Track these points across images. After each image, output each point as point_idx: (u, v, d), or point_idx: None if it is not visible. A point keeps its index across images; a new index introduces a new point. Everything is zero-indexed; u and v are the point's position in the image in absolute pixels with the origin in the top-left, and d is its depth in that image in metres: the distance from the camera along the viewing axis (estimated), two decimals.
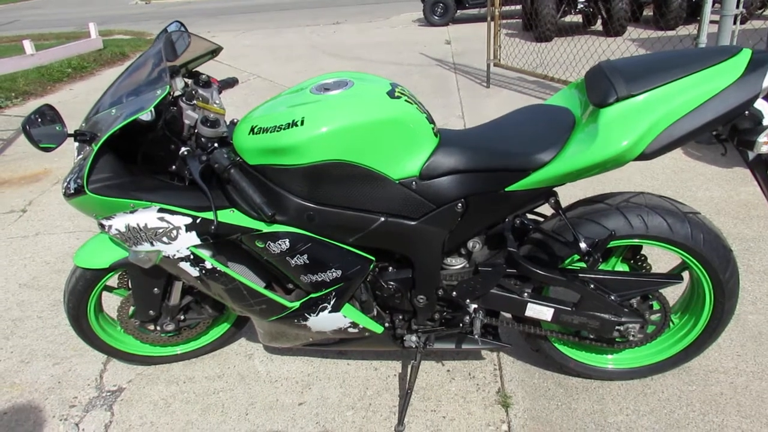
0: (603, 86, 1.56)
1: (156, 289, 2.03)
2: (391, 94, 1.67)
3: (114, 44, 10.95)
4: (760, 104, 1.53)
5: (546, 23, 8.16)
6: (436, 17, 10.91)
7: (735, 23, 3.91)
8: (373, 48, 9.13)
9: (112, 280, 2.17)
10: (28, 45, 9.00)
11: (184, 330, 2.26)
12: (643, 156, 1.53)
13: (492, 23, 6.06)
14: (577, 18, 9.33)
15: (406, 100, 1.67)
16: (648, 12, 9.07)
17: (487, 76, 6.26)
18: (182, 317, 2.18)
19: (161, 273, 1.98)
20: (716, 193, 3.43)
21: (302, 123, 1.57)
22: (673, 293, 2.20)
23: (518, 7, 9.88)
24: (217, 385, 2.26)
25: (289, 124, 1.59)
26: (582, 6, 8.56)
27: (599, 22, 8.81)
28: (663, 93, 1.50)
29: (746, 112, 1.53)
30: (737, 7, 3.83)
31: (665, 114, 1.49)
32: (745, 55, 1.52)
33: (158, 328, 2.15)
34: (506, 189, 1.68)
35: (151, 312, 2.09)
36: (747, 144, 1.54)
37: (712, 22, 3.99)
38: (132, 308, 2.15)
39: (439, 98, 5.95)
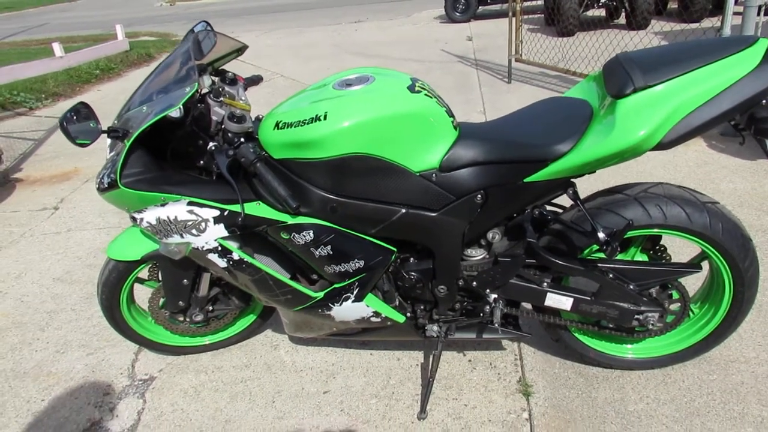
0: (620, 78, 1.58)
1: (185, 280, 2.10)
2: (411, 88, 1.71)
3: (140, 45, 11.16)
4: None
5: (568, 18, 8.12)
6: (458, 14, 10.90)
7: (759, 14, 3.86)
8: (394, 45, 9.16)
9: (143, 273, 2.25)
10: (57, 47, 9.22)
11: (212, 321, 2.33)
12: (661, 146, 1.55)
13: (513, 18, 6.06)
14: (600, 12, 9.25)
15: (426, 95, 1.72)
16: (672, 5, 8.96)
17: (509, 72, 6.26)
18: (210, 308, 2.25)
19: (190, 265, 2.05)
20: (740, 185, 3.41)
21: (325, 117, 1.63)
22: (693, 283, 2.21)
23: (540, 2, 9.85)
24: (245, 374, 2.33)
25: (312, 118, 1.64)
26: (605, 0, 8.49)
27: (623, 15, 8.73)
28: (680, 83, 1.52)
29: (764, 102, 1.54)
30: None
31: (682, 104, 1.51)
32: (762, 45, 1.54)
33: (187, 318, 2.23)
34: (525, 180, 1.71)
35: (180, 303, 2.16)
36: (764, 132, 1.55)
37: (736, 13, 3.95)
38: (162, 299, 2.23)
39: (461, 94, 5.97)
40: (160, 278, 2.16)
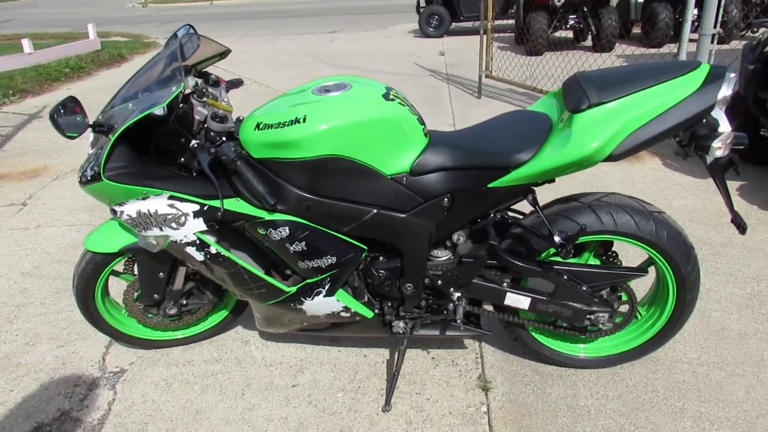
0: (577, 94, 1.73)
1: (161, 273, 2.17)
2: (386, 96, 1.83)
3: (112, 46, 11.08)
4: (717, 113, 1.71)
5: (537, 38, 8.39)
6: (431, 29, 11.13)
7: (713, 42, 4.11)
8: (368, 57, 9.32)
9: (119, 266, 2.30)
10: (26, 44, 9.11)
11: (185, 315, 2.39)
12: (612, 157, 1.70)
13: (485, 36, 6.26)
14: (568, 33, 9.58)
15: (399, 103, 1.83)
16: (636, 30, 9.34)
17: (479, 87, 6.45)
18: (184, 302, 2.31)
19: (167, 258, 2.12)
20: (690, 201, 3.62)
21: (304, 120, 1.73)
22: (642, 287, 2.37)
23: (511, 21, 10.14)
24: (215, 368, 2.40)
25: (292, 121, 1.74)
26: (573, 22, 8.80)
27: (589, 38, 9.06)
28: (630, 101, 1.68)
29: (704, 120, 1.70)
30: (714, 27, 4.03)
31: (631, 119, 1.66)
32: (704, 69, 1.70)
33: (161, 312, 2.29)
34: (488, 185, 1.84)
35: (155, 296, 2.22)
36: (703, 149, 1.71)
37: (692, 40, 4.20)
38: (137, 292, 2.29)
39: (432, 107, 6.13)
40: (136, 271, 2.22)
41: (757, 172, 3.96)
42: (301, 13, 17.06)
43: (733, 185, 3.78)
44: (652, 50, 7.10)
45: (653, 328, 2.14)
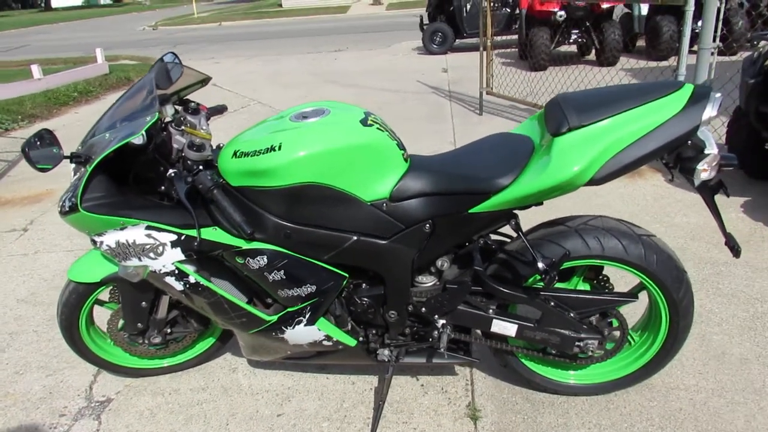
0: (558, 117, 1.69)
1: (144, 302, 2.15)
2: (363, 122, 1.80)
3: (120, 69, 11.21)
4: (703, 134, 1.66)
5: (540, 53, 8.37)
6: (435, 46, 11.15)
7: (713, 55, 4.06)
8: (371, 75, 9.34)
9: (104, 295, 2.28)
10: (35, 69, 9.24)
11: (171, 343, 2.36)
12: (593, 181, 1.65)
13: (485, 53, 6.25)
14: (573, 48, 9.55)
15: (377, 128, 1.81)
16: (640, 42, 9.30)
17: (480, 104, 6.43)
18: (169, 330, 2.29)
19: (149, 287, 2.10)
20: (693, 219, 3.55)
21: (280, 148, 1.71)
22: (635, 313, 2.31)
23: (515, 36, 10.13)
24: (201, 396, 2.36)
25: (267, 149, 1.72)
26: (575, 37, 8.77)
27: (593, 52, 9.02)
28: (611, 123, 1.64)
29: (689, 142, 1.66)
30: (714, 40, 3.98)
31: (613, 142, 1.62)
32: (687, 89, 1.66)
33: (146, 340, 2.26)
34: (469, 211, 1.80)
35: (139, 325, 2.20)
36: (688, 171, 1.66)
37: (692, 52, 4.14)
38: (121, 321, 2.26)
39: (434, 124, 6.11)
40: (120, 300, 2.20)
41: (761, 188, 3.88)
42: (307, 32, 17.20)
43: (737, 202, 3.71)
44: (657, 63, 7.04)
45: (647, 355, 2.07)
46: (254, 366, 2.51)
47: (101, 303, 2.30)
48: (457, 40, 11.23)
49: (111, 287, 2.27)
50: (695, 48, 4.07)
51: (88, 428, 2.24)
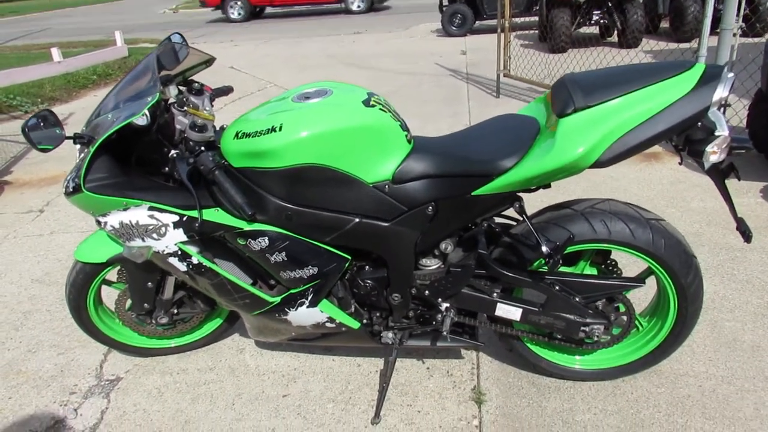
0: (563, 97, 1.65)
1: (150, 283, 2.16)
2: (366, 102, 1.78)
3: (138, 52, 11.26)
4: (714, 116, 1.60)
5: (560, 35, 8.22)
6: (454, 28, 11.01)
7: (735, 35, 3.94)
8: (389, 58, 9.26)
9: (113, 275, 2.31)
10: (55, 52, 9.31)
11: (178, 323, 2.39)
12: (598, 163, 1.61)
13: (502, 35, 6.15)
14: (594, 30, 9.37)
15: (380, 109, 1.78)
16: (664, 24, 9.08)
17: (497, 87, 6.34)
18: (175, 311, 2.30)
19: (154, 268, 2.11)
20: (709, 204, 3.47)
21: (280, 129, 1.69)
22: (646, 297, 2.27)
23: (536, 18, 9.96)
24: (208, 376, 2.38)
25: (268, 129, 1.70)
26: (597, 18, 8.60)
27: (615, 33, 8.84)
28: (618, 104, 1.59)
29: (699, 124, 1.61)
30: (737, 21, 3.86)
31: (619, 124, 1.58)
32: (699, 69, 1.60)
33: (153, 321, 2.28)
34: (473, 193, 1.77)
35: (145, 305, 2.22)
36: (696, 154, 1.61)
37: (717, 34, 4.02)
38: (129, 301, 2.28)
39: (449, 107, 6.05)
40: (127, 281, 2.21)
41: None
42: (326, 14, 17.09)
43: (756, 186, 3.62)
44: (682, 45, 6.88)
45: (655, 341, 2.04)
46: (261, 347, 2.52)
47: (109, 283, 2.33)
48: (477, 22, 11.07)
49: (119, 267, 2.29)
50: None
51: (97, 406, 2.28)
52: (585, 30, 9.32)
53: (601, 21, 8.67)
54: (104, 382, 2.41)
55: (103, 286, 2.31)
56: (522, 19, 11.31)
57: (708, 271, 2.79)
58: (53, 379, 2.45)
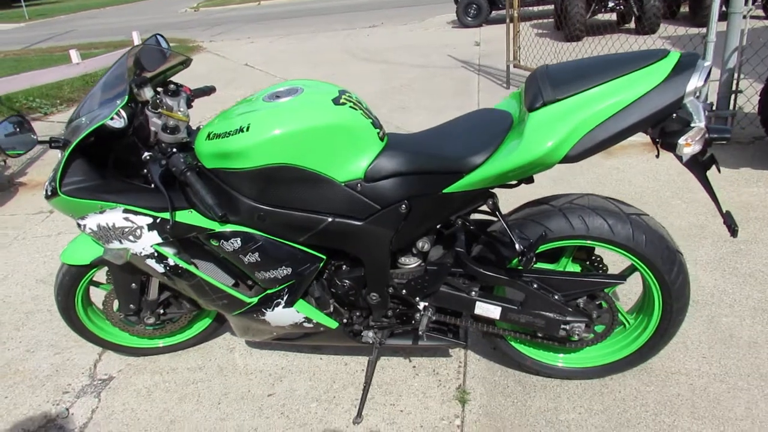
0: (534, 91, 1.61)
1: (134, 284, 2.18)
2: (336, 100, 1.75)
3: None
4: (692, 106, 1.54)
5: (575, 23, 8.06)
6: (470, 18, 10.88)
7: (745, 18, 3.82)
8: (403, 51, 9.20)
9: (101, 276, 2.33)
10: (74, 54, 9.42)
11: (167, 323, 2.40)
12: (568, 158, 1.57)
13: (511, 25, 6.06)
14: (611, 16, 9.17)
15: (350, 106, 1.76)
16: (684, 8, 8.85)
17: (507, 77, 6.25)
18: (162, 311, 2.32)
19: (138, 269, 2.12)
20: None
21: (248, 129, 1.68)
22: (635, 293, 2.21)
23: (551, 6, 9.80)
24: (197, 375, 2.40)
25: (237, 130, 1.69)
26: (613, 4, 8.41)
27: (633, 20, 8.64)
28: (586, 97, 1.54)
29: (674, 115, 1.55)
30: (746, 4, 3.74)
31: (588, 118, 1.53)
32: (673, 58, 1.54)
33: (140, 321, 2.30)
34: (444, 191, 1.74)
35: (131, 306, 2.23)
36: (669, 146, 1.56)
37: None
38: (116, 302, 2.30)
39: (458, 99, 5.99)
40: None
41: None
42: (344, 9, 17.07)
43: (765, 175, 3.50)
44: (699, 31, 6.68)
45: (641, 338, 1.98)
46: (251, 346, 2.53)
47: (97, 284, 2.35)
48: (492, 12, 10.93)
49: (107, 269, 2.31)
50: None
51: (88, 406, 2.31)
52: (602, 17, 9.12)
53: (618, 7, 8.48)
54: (97, 381, 2.44)
55: (92, 288, 2.33)
56: (539, 8, 11.14)
57: (709, 264, 2.71)
58: (48, 378, 2.49)
